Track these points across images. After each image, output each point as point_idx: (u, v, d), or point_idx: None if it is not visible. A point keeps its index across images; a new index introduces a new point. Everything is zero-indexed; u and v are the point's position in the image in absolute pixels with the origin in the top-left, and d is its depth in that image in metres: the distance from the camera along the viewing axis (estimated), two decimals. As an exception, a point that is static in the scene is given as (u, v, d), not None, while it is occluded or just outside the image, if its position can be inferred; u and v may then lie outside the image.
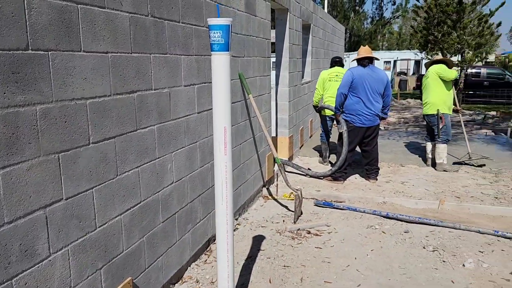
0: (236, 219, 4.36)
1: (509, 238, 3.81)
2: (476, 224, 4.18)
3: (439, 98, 6.21)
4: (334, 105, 6.10)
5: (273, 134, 6.53)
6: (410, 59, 24.73)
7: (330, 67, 6.62)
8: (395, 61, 26.03)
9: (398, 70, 25.42)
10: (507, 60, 34.76)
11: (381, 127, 10.40)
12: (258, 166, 5.02)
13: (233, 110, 4.17)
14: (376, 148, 5.79)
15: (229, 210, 2.30)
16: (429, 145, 6.60)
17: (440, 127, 6.21)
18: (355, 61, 5.53)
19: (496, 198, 5.09)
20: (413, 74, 25.78)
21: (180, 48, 3.04)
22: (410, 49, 23.57)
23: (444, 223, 4.12)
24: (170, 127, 2.97)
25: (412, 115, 13.07)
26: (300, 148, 7.47)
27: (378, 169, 5.88)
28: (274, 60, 6.59)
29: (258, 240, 3.85)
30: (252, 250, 3.64)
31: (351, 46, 30.92)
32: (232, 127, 4.14)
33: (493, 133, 9.44)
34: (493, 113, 13.08)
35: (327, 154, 6.68)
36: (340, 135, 5.67)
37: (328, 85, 6.34)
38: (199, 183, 3.44)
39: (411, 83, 23.36)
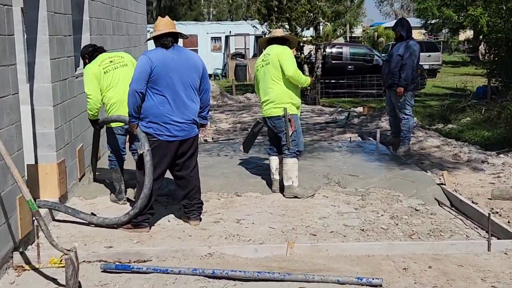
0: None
1: (375, 286, 4.30)
2: (336, 271, 4.62)
3: (283, 92, 6.72)
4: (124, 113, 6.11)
5: (32, 161, 6.26)
6: (248, 34, 26.41)
7: (90, 60, 6.50)
8: (227, 37, 27.51)
9: (232, 50, 26.89)
10: (376, 34, 39.97)
11: (204, 138, 10.80)
12: (2, 217, 4.72)
13: None
14: (197, 171, 5.99)
15: None
16: (274, 161, 7.08)
17: (290, 133, 6.69)
18: (152, 40, 5.65)
19: (363, 230, 5.73)
20: (255, 55, 27.58)
21: None
22: (247, 20, 25.25)
23: (293, 275, 4.44)
24: None
25: (253, 117, 13.95)
26: (81, 179, 7.31)
27: (202, 203, 6.09)
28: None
29: None
30: None
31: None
32: None
33: (359, 138, 10.66)
34: (360, 109, 14.79)
35: (123, 188, 6.68)
36: (141, 157, 5.67)
37: (109, 80, 6.27)
38: None
39: (253, 69, 24.97)
